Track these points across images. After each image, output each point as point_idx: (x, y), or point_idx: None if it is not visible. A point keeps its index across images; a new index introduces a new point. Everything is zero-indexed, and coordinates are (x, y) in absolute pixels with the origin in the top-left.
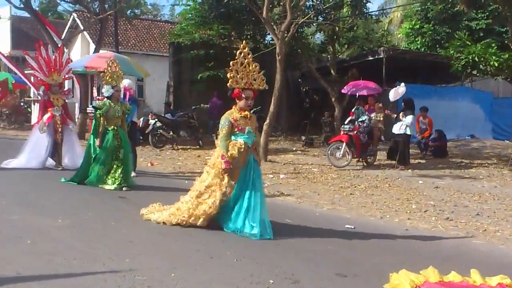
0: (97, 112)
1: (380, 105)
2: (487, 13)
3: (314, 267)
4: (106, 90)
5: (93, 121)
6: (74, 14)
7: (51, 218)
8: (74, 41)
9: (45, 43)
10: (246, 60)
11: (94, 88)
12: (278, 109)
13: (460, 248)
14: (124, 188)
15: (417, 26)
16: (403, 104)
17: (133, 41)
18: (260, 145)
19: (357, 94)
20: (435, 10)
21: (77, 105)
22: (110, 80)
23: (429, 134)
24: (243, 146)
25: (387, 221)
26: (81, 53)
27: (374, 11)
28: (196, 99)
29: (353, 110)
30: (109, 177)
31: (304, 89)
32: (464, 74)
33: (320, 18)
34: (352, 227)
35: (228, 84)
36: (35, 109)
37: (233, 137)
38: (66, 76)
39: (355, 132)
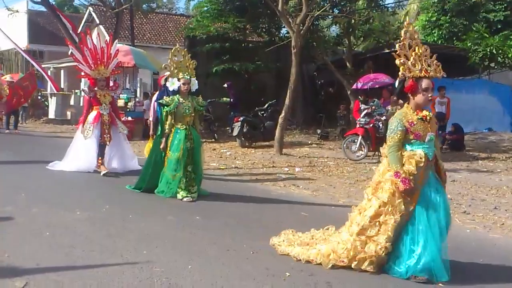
0: (164, 110)
1: (395, 98)
2: (505, 5)
3: None
4: (171, 83)
5: (159, 120)
6: (90, 8)
7: (69, 211)
8: (90, 35)
9: (61, 37)
10: (413, 41)
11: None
12: (294, 102)
13: (477, 242)
14: (193, 198)
15: (434, 18)
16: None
17: (149, 34)
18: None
19: (367, 87)
20: (452, 2)
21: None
22: (175, 71)
23: (444, 124)
24: (423, 159)
25: None
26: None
27: (390, 3)
28: (211, 92)
29: (360, 101)
30: (182, 184)
31: (319, 82)
32: (482, 67)
33: (336, 11)
34: None
35: (399, 74)
36: (52, 103)
37: (407, 147)
38: (115, 69)
39: (371, 125)
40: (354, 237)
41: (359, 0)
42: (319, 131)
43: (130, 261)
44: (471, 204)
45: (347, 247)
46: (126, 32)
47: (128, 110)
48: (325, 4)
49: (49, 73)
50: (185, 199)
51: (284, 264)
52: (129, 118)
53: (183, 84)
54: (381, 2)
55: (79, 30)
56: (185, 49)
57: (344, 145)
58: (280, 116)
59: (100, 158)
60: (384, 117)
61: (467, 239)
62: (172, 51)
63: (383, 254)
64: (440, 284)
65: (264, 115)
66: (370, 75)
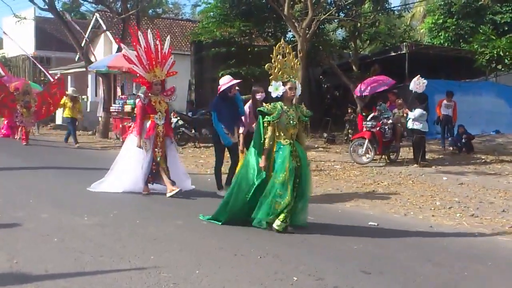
0: (266, 120)
1: (400, 101)
2: None
3: (339, 264)
4: (275, 88)
5: (257, 131)
6: (97, 14)
7: (78, 216)
8: (97, 41)
9: (68, 43)
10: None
11: (117, 87)
12: None
13: (486, 245)
14: (289, 228)
15: (440, 21)
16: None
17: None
18: None
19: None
20: (458, 4)
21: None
22: (280, 73)
23: (452, 127)
24: None
25: (411, 218)
26: (104, 53)
27: (396, 6)
28: None
29: (363, 115)
30: (285, 211)
31: (325, 86)
32: (489, 69)
33: (342, 14)
34: (376, 224)
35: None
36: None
37: None
38: (170, 71)
39: (377, 128)
40: None
41: (365, 3)
42: (325, 134)
43: (138, 266)
44: (479, 207)
45: None
46: None
47: (135, 115)
48: (331, 8)
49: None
50: (276, 226)
51: (292, 268)
52: None
53: (289, 89)
54: (387, 5)
55: (86, 36)
56: (290, 46)
57: (351, 149)
58: None
59: (150, 176)
60: (390, 121)
61: (475, 242)
62: (277, 47)
63: None
64: None
65: None
66: (368, 79)
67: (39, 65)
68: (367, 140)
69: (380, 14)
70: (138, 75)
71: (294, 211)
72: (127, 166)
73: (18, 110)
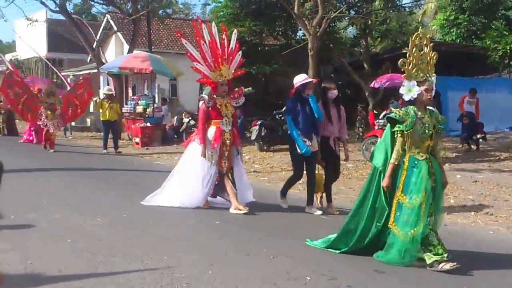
0: (397, 129)
1: None
2: None
3: (352, 264)
4: (408, 90)
5: (383, 143)
6: (108, 16)
7: (90, 216)
8: (108, 42)
9: (80, 45)
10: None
11: (129, 88)
12: None
13: (501, 244)
14: (447, 265)
15: (452, 17)
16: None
17: (166, 40)
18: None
19: (381, 87)
20: (470, 0)
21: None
22: (415, 70)
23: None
24: None
25: None
26: (115, 54)
27: (407, 3)
28: None
29: (375, 114)
30: (434, 243)
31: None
32: (502, 65)
33: (352, 12)
34: None
35: None
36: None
37: None
38: (238, 70)
39: None
40: None
41: (375, 0)
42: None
43: (151, 267)
44: (493, 205)
45: None
46: (144, 38)
47: (147, 116)
48: (341, 6)
49: (68, 81)
50: (445, 266)
51: (305, 268)
52: (148, 124)
53: (426, 90)
54: (398, 2)
55: (97, 37)
56: (427, 36)
57: (363, 147)
58: None
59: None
60: None
61: (490, 241)
62: (413, 38)
63: None
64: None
65: (282, 118)
66: (387, 75)
67: (52, 67)
68: (379, 138)
69: (391, 11)
70: (201, 74)
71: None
72: (187, 178)
73: (42, 112)
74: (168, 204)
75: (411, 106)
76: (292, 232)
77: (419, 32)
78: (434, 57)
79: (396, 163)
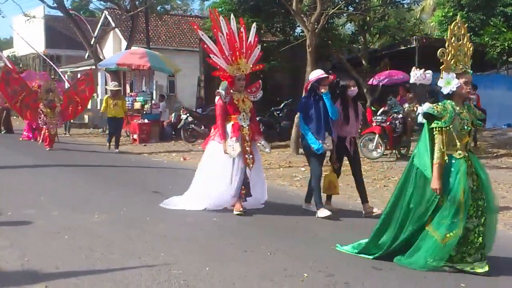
0: (436, 125)
1: (411, 95)
2: None
3: (349, 260)
4: (446, 82)
5: (422, 141)
6: (106, 12)
7: (88, 214)
8: (106, 38)
9: (78, 41)
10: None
11: (127, 84)
12: None
13: (498, 241)
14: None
15: (450, 14)
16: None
17: (164, 37)
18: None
19: (380, 84)
20: None
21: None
22: (453, 62)
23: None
24: None
25: None
26: (113, 50)
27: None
28: None
29: (373, 110)
30: (470, 251)
31: (335, 81)
32: (500, 62)
33: (351, 8)
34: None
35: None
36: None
37: None
38: (256, 64)
39: (387, 123)
40: None
41: None
42: None
43: (148, 264)
44: None
45: None
46: (142, 34)
47: (145, 112)
48: (340, 2)
49: (66, 77)
50: (481, 269)
51: (302, 265)
52: (146, 121)
53: (465, 83)
54: None
55: (95, 34)
56: (466, 26)
57: (361, 144)
58: (296, 115)
59: (244, 187)
60: (400, 115)
61: None
62: (452, 26)
63: None
64: (462, 285)
65: (280, 114)
66: (385, 72)
67: (50, 63)
68: (377, 135)
69: (389, 8)
70: (218, 67)
71: (477, 247)
72: (211, 178)
73: (41, 110)
74: (191, 208)
75: (448, 101)
76: (290, 229)
77: (457, 21)
78: (471, 49)
79: (441, 161)
